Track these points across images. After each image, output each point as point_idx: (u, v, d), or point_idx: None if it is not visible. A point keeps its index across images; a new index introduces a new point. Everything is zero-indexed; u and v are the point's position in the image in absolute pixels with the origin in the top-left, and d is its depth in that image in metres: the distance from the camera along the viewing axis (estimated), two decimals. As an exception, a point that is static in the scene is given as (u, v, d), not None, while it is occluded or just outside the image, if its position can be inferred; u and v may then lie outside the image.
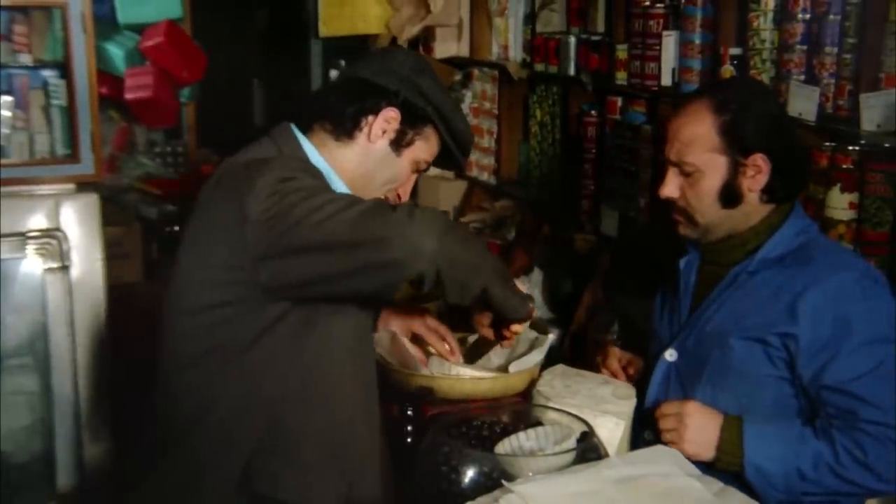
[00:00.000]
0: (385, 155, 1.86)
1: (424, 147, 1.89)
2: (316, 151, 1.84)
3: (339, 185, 1.83)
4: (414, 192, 4.33)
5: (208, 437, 1.76)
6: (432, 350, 2.14)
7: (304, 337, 1.73)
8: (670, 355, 2.03)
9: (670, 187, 1.95)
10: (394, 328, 2.16)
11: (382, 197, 1.88)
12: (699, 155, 1.90)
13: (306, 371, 1.76)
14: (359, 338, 1.84)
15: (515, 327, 1.87)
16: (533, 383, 2.06)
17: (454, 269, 1.60)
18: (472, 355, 2.21)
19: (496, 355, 2.17)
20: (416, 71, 1.87)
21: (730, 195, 1.90)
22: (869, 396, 1.77)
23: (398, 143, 1.86)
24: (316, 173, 1.77)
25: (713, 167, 1.89)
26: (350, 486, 1.80)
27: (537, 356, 2.08)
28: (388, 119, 1.84)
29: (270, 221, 1.62)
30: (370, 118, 1.84)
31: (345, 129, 1.84)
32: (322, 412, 1.78)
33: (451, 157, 1.94)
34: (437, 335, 2.15)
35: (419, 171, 1.93)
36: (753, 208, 1.93)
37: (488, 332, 2.00)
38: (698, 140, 1.89)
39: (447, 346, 2.13)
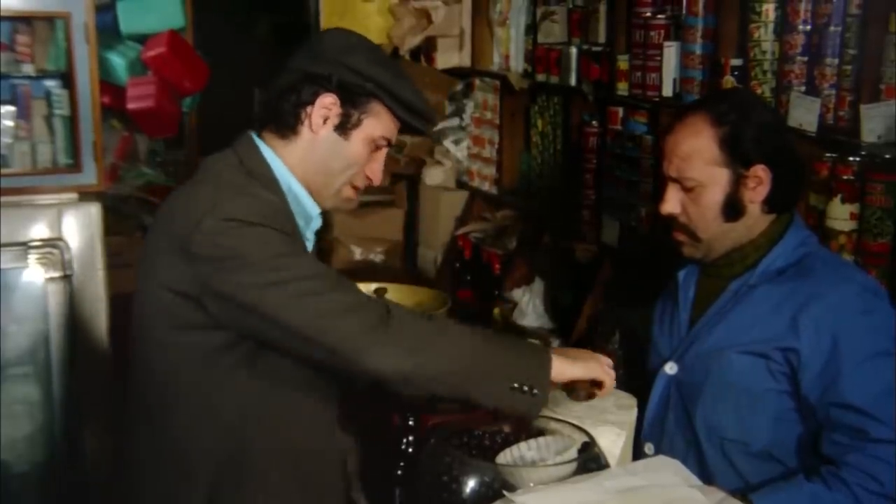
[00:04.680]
0: (332, 143, 1.79)
1: (376, 124, 1.80)
2: (277, 158, 1.79)
3: (299, 191, 1.79)
4: (415, 204, 4.34)
5: (171, 459, 1.74)
6: None
7: (259, 359, 1.70)
8: (670, 368, 2.02)
9: (671, 203, 1.93)
10: None
11: (347, 184, 1.82)
12: (700, 168, 1.88)
13: (263, 394, 1.72)
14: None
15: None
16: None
17: (433, 384, 1.61)
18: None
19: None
20: (345, 50, 1.78)
21: (732, 208, 1.89)
22: (878, 413, 1.74)
23: (343, 127, 1.78)
24: (268, 201, 1.72)
25: (715, 180, 1.88)
26: None
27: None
28: (325, 106, 1.77)
29: (219, 263, 1.61)
30: (308, 109, 1.78)
31: (287, 125, 1.79)
32: (283, 438, 1.75)
33: (412, 125, 1.85)
34: None
35: (380, 148, 1.84)
36: (755, 220, 1.92)
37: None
38: (698, 153, 1.88)
39: None
